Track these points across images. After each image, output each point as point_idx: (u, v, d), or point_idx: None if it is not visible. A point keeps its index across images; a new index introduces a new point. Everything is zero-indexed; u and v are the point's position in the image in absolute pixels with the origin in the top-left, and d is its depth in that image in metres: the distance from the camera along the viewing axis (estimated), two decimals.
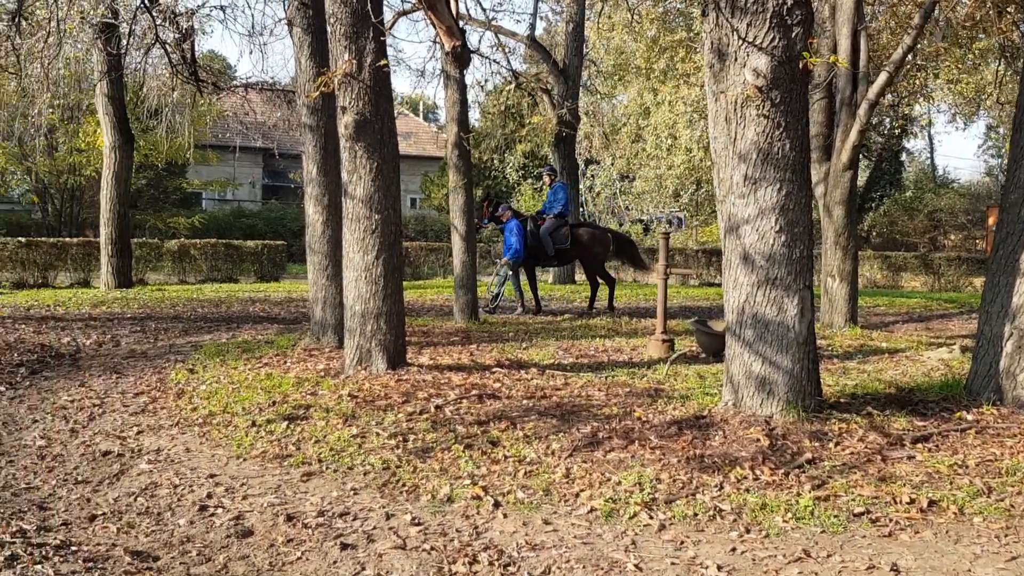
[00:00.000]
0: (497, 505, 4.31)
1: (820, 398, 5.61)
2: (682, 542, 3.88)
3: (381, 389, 6.35)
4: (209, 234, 24.74)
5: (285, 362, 7.76)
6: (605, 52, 26.35)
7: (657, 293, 8.76)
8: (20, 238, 17.51)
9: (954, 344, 8.75)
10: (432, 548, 3.82)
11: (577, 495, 4.41)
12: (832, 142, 10.89)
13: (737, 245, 5.44)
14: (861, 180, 33.58)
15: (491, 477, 4.67)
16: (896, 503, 4.21)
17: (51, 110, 19.45)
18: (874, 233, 31.16)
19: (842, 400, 6.01)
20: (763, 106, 5.19)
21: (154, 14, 11.37)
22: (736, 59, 5.25)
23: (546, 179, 13.50)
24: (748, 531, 3.98)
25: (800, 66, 5.18)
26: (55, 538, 3.95)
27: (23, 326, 10.53)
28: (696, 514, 4.16)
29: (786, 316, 5.33)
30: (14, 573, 3.46)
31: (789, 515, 4.11)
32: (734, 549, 3.79)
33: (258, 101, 21.34)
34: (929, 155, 43.48)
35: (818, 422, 5.32)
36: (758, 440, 4.99)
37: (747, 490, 4.40)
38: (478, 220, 13.09)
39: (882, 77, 9.97)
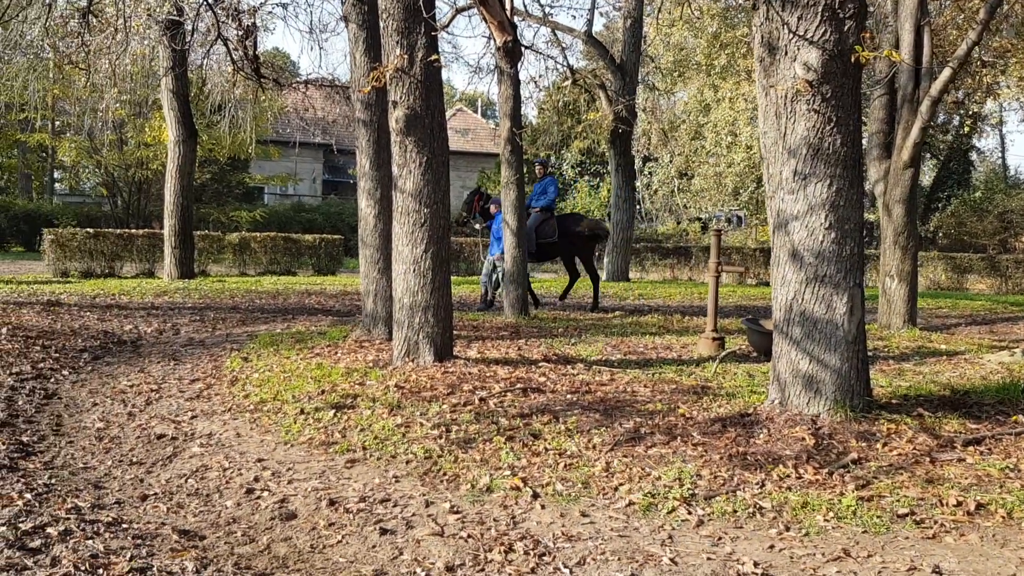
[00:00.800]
0: (535, 496, 4.34)
1: (869, 398, 5.51)
2: (720, 538, 3.86)
3: (427, 380, 6.42)
4: (270, 228, 25.20)
5: (336, 353, 7.89)
6: (664, 48, 26.10)
7: (708, 291, 8.69)
8: (89, 229, 18.07)
9: (1016, 347, 8.50)
10: (469, 536, 3.87)
11: (616, 489, 4.42)
12: (893, 139, 10.65)
13: (786, 242, 5.37)
14: (927, 180, 32.73)
15: (531, 469, 4.69)
16: (942, 505, 4.12)
17: (119, 105, 20.07)
18: (940, 234, 30.32)
19: (893, 401, 5.89)
20: (813, 101, 5.12)
21: (217, 11, 11.63)
22: (786, 53, 5.19)
23: (537, 171, 12.88)
24: (788, 529, 3.94)
25: (852, 60, 5.08)
26: (108, 516, 4.10)
27: (88, 313, 10.89)
28: (735, 511, 4.13)
29: (835, 314, 5.25)
30: (67, 547, 3.60)
31: (831, 514, 4.06)
32: (772, 546, 3.76)
33: (318, 97, 21.72)
34: (1001, 154, 42.22)
35: (866, 422, 5.22)
36: (803, 439, 4.93)
37: (789, 488, 4.35)
38: (466, 215, 12.94)
39: (945, 73, 9.71)
